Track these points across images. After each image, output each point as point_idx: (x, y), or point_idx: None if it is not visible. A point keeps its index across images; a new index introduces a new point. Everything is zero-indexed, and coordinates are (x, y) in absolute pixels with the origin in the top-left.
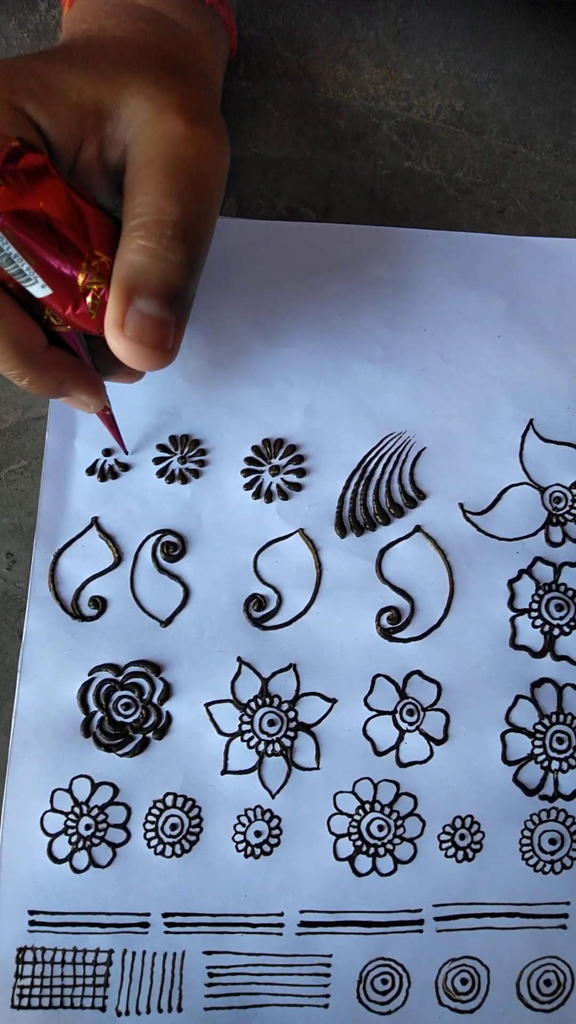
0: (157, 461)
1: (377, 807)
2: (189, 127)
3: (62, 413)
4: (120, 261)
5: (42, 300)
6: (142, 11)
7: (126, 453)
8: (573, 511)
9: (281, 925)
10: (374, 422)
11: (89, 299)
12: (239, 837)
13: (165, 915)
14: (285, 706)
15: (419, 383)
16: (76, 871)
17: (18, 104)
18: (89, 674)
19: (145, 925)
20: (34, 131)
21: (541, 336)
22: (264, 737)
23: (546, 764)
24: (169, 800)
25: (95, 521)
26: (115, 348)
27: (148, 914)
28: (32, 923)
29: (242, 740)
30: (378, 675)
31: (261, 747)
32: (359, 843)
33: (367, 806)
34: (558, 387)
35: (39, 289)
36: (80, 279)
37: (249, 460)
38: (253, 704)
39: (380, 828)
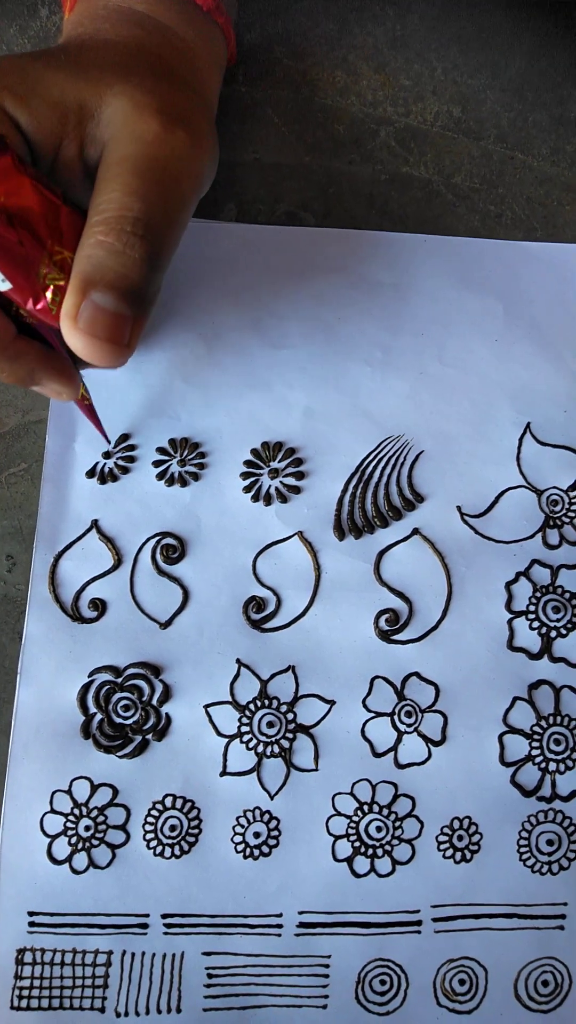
0: (157, 464)
1: (375, 808)
2: (164, 128)
3: (62, 416)
4: (79, 255)
5: (3, 294)
6: (139, 17)
7: (108, 443)
8: (570, 514)
9: (280, 926)
10: (373, 425)
11: (50, 294)
12: (238, 838)
13: (164, 916)
14: (284, 708)
15: (417, 386)
16: (75, 872)
17: None
18: (89, 676)
19: (144, 926)
20: (12, 127)
21: (539, 340)
22: (263, 739)
23: (544, 765)
24: (168, 801)
25: (95, 524)
26: (68, 340)
27: (147, 915)
28: (31, 924)
29: (241, 742)
30: (376, 677)
31: (260, 748)
32: (357, 844)
33: (365, 807)
34: (555, 390)
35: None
36: (41, 272)
37: (248, 463)
38: (252, 706)
39: (378, 829)
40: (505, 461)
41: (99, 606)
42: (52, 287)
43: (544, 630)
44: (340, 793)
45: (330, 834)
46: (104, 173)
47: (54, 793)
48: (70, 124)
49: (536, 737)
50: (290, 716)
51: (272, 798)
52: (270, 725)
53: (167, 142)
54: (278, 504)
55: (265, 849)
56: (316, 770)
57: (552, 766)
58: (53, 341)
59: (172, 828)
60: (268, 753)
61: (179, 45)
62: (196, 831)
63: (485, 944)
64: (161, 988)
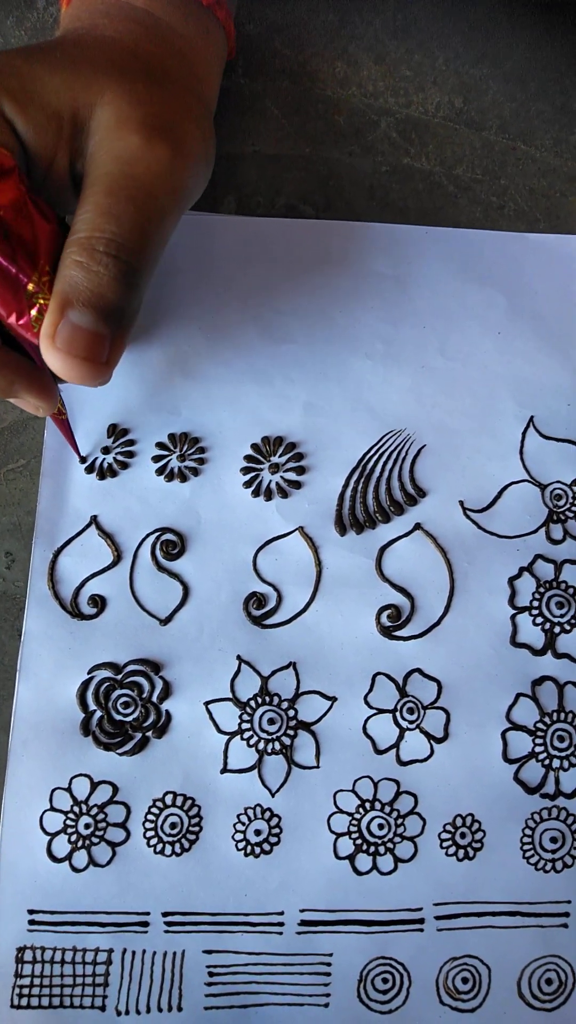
0: (156, 459)
1: (377, 806)
2: (144, 143)
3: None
4: (58, 275)
5: None
6: (137, 13)
7: (80, 458)
8: (574, 508)
9: (281, 924)
10: (374, 419)
11: (35, 312)
12: (239, 836)
13: (165, 914)
14: (285, 704)
15: (419, 380)
16: (75, 870)
17: None
18: (88, 673)
19: (145, 924)
20: (10, 132)
21: (542, 332)
22: (264, 736)
23: (547, 762)
24: (169, 799)
25: (94, 519)
26: (47, 359)
27: (148, 913)
28: (31, 922)
29: (242, 739)
30: (378, 673)
31: (261, 746)
32: (359, 842)
33: (367, 804)
34: (559, 384)
35: None
36: (29, 290)
37: (248, 458)
38: (253, 703)
39: (380, 827)
40: (508, 455)
41: (99, 602)
42: (38, 305)
43: (547, 626)
44: (342, 790)
45: (332, 832)
46: (84, 191)
47: (54, 791)
48: (64, 135)
49: (539, 734)
50: (291, 713)
51: (273, 795)
52: (271, 722)
53: (143, 159)
54: (279, 499)
55: (266, 847)
56: (317, 767)
57: (555, 763)
58: (33, 353)
59: (172, 826)
60: (269, 750)
61: (177, 43)
62: (197, 829)
63: (488, 942)
64: (162, 986)
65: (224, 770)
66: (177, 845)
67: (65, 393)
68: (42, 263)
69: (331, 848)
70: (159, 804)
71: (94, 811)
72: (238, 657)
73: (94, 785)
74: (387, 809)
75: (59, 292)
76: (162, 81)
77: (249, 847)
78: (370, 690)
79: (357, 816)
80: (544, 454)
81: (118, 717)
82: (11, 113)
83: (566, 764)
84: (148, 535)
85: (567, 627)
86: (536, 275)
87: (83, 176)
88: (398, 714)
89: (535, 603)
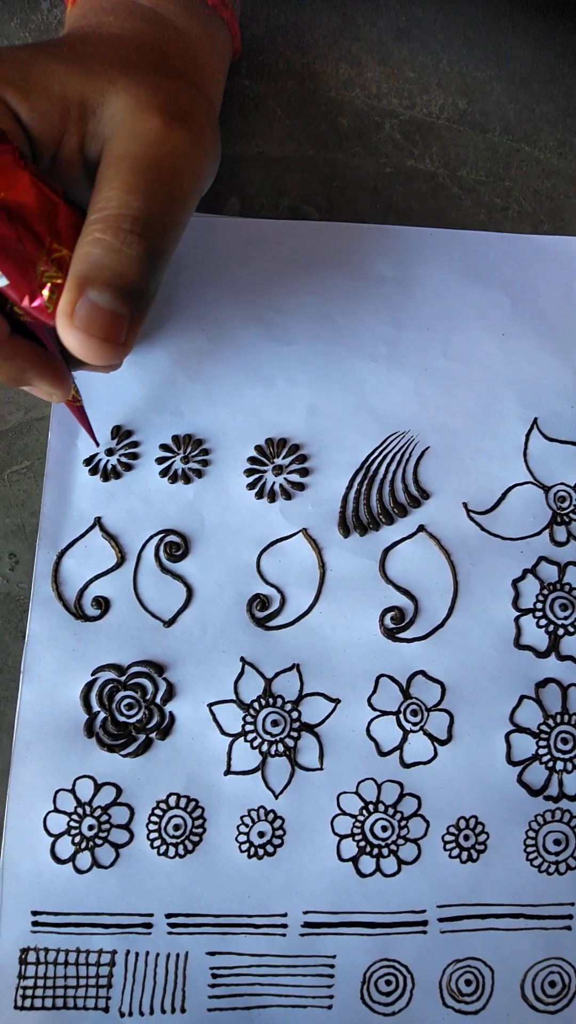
0: (160, 461)
1: (381, 808)
2: (165, 126)
3: (65, 413)
4: (77, 253)
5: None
6: (143, 11)
7: (96, 445)
8: None
9: (284, 926)
10: (377, 421)
11: (47, 292)
12: (242, 838)
13: (168, 916)
14: (288, 706)
15: (423, 381)
16: (79, 872)
17: None
18: (92, 674)
19: (148, 926)
20: (13, 121)
21: (546, 334)
22: (267, 737)
23: (551, 764)
24: (172, 800)
25: (98, 521)
26: (64, 338)
27: (151, 915)
28: (35, 924)
29: (245, 740)
30: (382, 675)
31: (264, 747)
32: (363, 844)
33: (371, 807)
34: (563, 385)
35: None
36: (38, 270)
37: (252, 460)
38: (256, 704)
39: (384, 829)
40: (512, 457)
41: (102, 604)
42: (49, 285)
43: (551, 628)
44: (345, 792)
45: (335, 833)
46: (104, 171)
47: (57, 792)
48: (71, 120)
49: (543, 736)
50: (295, 715)
51: (277, 797)
52: (274, 724)
53: (168, 139)
54: (282, 501)
55: (270, 848)
56: (321, 769)
57: (559, 765)
58: (47, 341)
59: (176, 827)
60: (272, 752)
61: (183, 41)
62: (200, 830)
63: (491, 944)
64: (165, 988)
65: (228, 772)
66: (180, 847)
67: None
68: (50, 241)
69: (334, 850)
70: (163, 806)
71: (98, 812)
72: (242, 659)
73: (98, 787)
74: (390, 811)
75: (79, 270)
76: (170, 75)
77: (252, 849)
78: (374, 692)
79: (360, 818)
80: (548, 456)
81: (122, 719)
82: (14, 102)
83: (569, 766)
84: (152, 537)
85: (571, 629)
86: (540, 277)
87: (100, 158)
88: (401, 716)
89: (539, 605)
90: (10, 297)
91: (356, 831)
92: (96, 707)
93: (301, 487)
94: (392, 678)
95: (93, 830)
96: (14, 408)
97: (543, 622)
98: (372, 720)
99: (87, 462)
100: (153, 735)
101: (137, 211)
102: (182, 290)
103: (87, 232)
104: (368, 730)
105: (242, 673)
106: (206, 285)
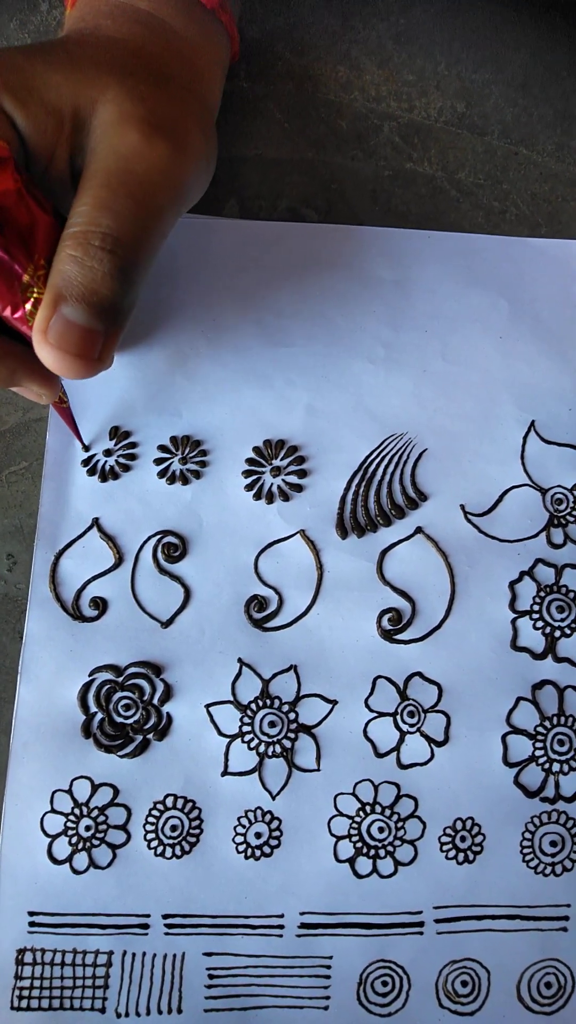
0: (158, 462)
1: (378, 809)
2: (145, 140)
3: None
4: (53, 269)
5: None
6: (140, 14)
7: (85, 449)
8: (574, 513)
9: (281, 927)
10: (375, 423)
11: (29, 305)
12: (239, 839)
13: (165, 916)
14: (286, 707)
15: (421, 384)
16: (76, 872)
17: None
18: (89, 675)
19: (145, 926)
20: (10, 127)
21: (543, 337)
22: (265, 738)
23: (547, 766)
24: (169, 801)
25: (96, 522)
26: (39, 354)
27: (148, 915)
28: (32, 924)
29: (242, 741)
30: (379, 677)
31: (262, 748)
32: (360, 845)
33: (368, 808)
34: (560, 388)
35: None
36: (24, 283)
37: (250, 461)
38: (254, 705)
39: (381, 830)
40: (509, 459)
41: (100, 605)
42: (33, 299)
43: (548, 630)
44: (342, 793)
45: (332, 835)
46: (80, 185)
47: (54, 793)
48: (64, 132)
49: (540, 738)
50: (292, 716)
51: (274, 798)
52: (272, 725)
53: (144, 155)
54: (280, 502)
55: (267, 849)
56: (318, 770)
57: (556, 767)
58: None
59: (173, 828)
60: (270, 753)
61: (180, 45)
62: (197, 831)
63: (488, 945)
64: (162, 989)
65: (225, 773)
66: (178, 847)
67: (67, 392)
68: (37, 256)
69: (331, 851)
70: (160, 806)
71: (95, 813)
72: (239, 660)
73: (95, 787)
74: (387, 812)
75: (52, 286)
76: (164, 81)
77: (249, 850)
78: (371, 693)
79: (357, 819)
80: (545, 458)
81: (119, 719)
82: (11, 108)
83: (566, 768)
84: (149, 537)
85: (567, 631)
86: (538, 280)
87: (81, 171)
88: (399, 717)
89: (536, 607)
90: None
91: (353, 832)
92: (93, 708)
93: (299, 488)
94: (389, 679)
95: (90, 831)
96: (12, 409)
97: (540, 624)
98: (369, 721)
99: (85, 463)
100: (150, 736)
101: (107, 228)
102: (180, 291)
103: (61, 248)
104: (365, 731)
105: (239, 674)
106: (204, 287)
